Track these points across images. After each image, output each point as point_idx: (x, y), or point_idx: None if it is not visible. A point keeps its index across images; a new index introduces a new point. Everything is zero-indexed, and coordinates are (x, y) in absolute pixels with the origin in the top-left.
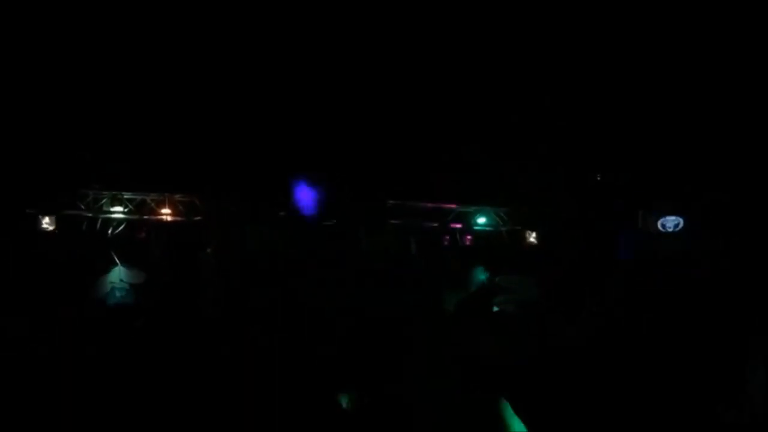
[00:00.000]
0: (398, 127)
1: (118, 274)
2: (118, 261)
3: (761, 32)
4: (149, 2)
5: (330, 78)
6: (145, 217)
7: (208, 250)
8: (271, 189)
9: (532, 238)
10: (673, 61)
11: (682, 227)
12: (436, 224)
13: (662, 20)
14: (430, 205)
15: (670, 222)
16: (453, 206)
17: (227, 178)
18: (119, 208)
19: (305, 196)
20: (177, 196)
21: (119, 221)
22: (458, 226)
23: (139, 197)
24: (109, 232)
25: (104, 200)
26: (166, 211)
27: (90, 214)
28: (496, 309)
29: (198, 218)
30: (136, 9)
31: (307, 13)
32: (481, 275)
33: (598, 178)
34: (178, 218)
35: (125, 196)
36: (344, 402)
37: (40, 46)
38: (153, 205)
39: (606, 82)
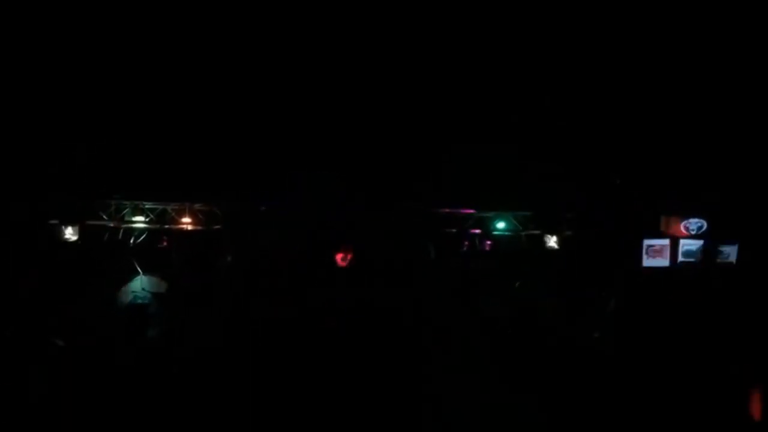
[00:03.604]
0: (417, 132)
1: (140, 283)
2: (140, 270)
3: None
4: (174, 25)
5: (354, 88)
6: (166, 226)
7: (228, 258)
8: (288, 195)
9: (552, 242)
10: (693, 66)
11: (706, 230)
12: (454, 230)
13: (684, 26)
14: (448, 210)
15: (694, 224)
16: (471, 212)
17: (245, 186)
18: (140, 218)
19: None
20: (197, 206)
21: (141, 231)
22: (477, 231)
23: (160, 207)
24: (131, 241)
25: (126, 210)
26: (186, 220)
27: (112, 224)
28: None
29: (217, 227)
30: (161, 34)
31: (324, 22)
32: None
33: (618, 182)
34: (199, 227)
35: (146, 206)
36: None
37: (61, 63)
38: (174, 214)
39: (626, 88)
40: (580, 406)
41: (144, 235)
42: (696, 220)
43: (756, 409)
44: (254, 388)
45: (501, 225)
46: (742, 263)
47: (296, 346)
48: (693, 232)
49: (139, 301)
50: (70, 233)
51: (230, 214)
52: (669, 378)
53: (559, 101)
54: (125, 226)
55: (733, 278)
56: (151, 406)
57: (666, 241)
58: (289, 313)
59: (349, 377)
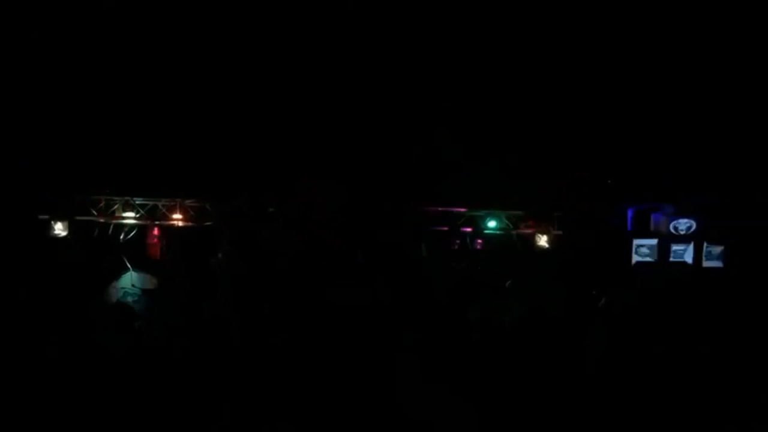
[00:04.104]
0: (407, 131)
1: (130, 279)
2: (129, 266)
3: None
4: (172, 20)
5: (343, 86)
6: (157, 222)
7: (219, 255)
8: (281, 191)
9: (543, 241)
10: (684, 66)
11: (695, 230)
12: (446, 228)
13: (673, 25)
14: (440, 209)
15: (683, 224)
16: (463, 210)
17: (237, 182)
18: (131, 214)
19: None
20: (188, 202)
21: (131, 226)
22: (468, 230)
23: (150, 203)
24: (121, 237)
25: (116, 206)
26: (177, 216)
27: (102, 220)
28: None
29: (209, 223)
30: (155, 27)
31: (324, 24)
32: None
33: (609, 182)
34: (189, 223)
35: (137, 202)
36: None
37: (55, 57)
38: (164, 210)
39: (616, 86)
40: (573, 408)
41: (134, 231)
42: (685, 220)
43: None
44: (248, 387)
45: (492, 224)
46: (732, 263)
47: (291, 346)
48: (682, 232)
49: (129, 297)
50: (59, 229)
51: (223, 212)
52: (663, 378)
53: (552, 101)
54: (115, 221)
55: (725, 278)
56: (144, 404)
57: (654, 241)
58: (282, 312)
59: (346, 376)
